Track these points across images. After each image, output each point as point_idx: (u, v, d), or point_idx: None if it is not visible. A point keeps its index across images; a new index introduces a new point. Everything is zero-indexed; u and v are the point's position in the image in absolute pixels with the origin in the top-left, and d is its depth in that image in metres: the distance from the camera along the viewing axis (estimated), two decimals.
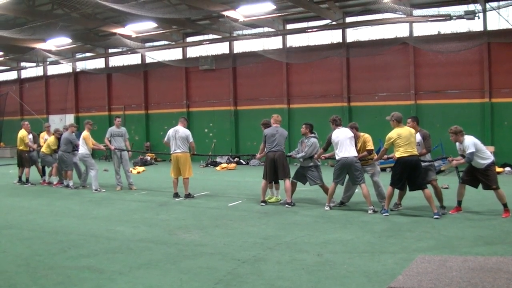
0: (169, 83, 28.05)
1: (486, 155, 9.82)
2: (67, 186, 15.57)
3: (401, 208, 10.74)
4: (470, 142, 9.66)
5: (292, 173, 11.99)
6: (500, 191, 9.77)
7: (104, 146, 16.08)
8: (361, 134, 11.23)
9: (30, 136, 17.08)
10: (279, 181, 12.21)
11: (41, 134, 17.06)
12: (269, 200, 12.24)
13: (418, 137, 10.30)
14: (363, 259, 6.92)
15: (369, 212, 10.38)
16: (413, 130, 10.17)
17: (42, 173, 17.10)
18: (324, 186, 11.60)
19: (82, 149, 14.85)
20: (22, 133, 16.70)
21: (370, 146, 11.05)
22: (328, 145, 11.30)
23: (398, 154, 9.95)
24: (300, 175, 11.90)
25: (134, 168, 20.05)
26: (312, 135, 11.81)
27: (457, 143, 9.96)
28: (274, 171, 11.79)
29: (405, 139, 9.90)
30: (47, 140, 16.35)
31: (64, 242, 8.22)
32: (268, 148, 11.86)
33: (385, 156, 10.83)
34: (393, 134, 10.08)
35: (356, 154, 10.74)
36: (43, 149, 16.07)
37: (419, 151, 10.23)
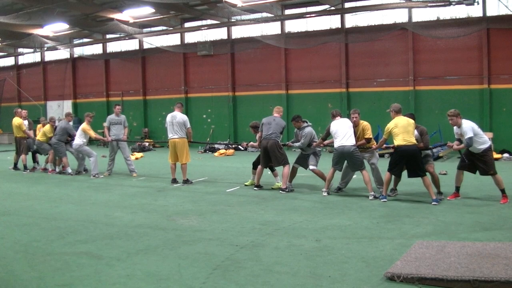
0: (167, 69, 27.96)
1: (483, 140, 9.82)
2: (60, 172, 15.63)
3: (397, 193, 10.76)
4: (468, 127, 9.65)
5: (293, 159, 12.00)
6: (498, 177, 9.77)
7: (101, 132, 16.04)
8: (360, 121, 11.23)
9: (26, 122, 17.05)
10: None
11: (38, 126, 16.95)
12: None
13: (415, 133, 10.30)
14: (361, 244, 6.92)
15: (370, 198, 10.40)
16: (411, 120, 10.19)
17: (33, 160, 17.12)
18: (315, 171, 11.64)
19: (78, 140, 14.80)
20: (17, 120, 16.64)
21: (369, 134, 11.09)
22: (326, 135, 11.36)
23: (396, 142, 10.00)
24: (302, 160, 11.94)
25: (132, 154, 20.04)
26: (305, 124, 11.78)
27: (455, 127, 9.96)
28: (268, 159, 11.80)
29: (402, 128, 9.94)
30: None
31: (62, 228, 8.22)
32: (263, 136, 11.85)
33: (384, 146, 10.93)
34: (390, 124, 10.21)
35: (354, 143, 10.73)
36: (39, 137, 16.04)
37: None
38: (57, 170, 15.85)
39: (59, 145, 15.28)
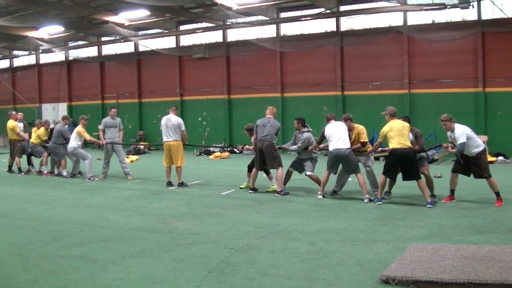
0: (162, 72, 27.97)
1: (477, 143, 9.82)
2: (58, 174, 15.62)
3: (391, 196, 10.77)
4: (461, 132, 9.65)
5: (288, 163, 12.00)
6: (492, 180, 9.78)
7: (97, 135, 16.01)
8: (356, 125, 11.23)
9: (21, 125, 17.01)
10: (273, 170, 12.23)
11: (33, 129, 16.86)
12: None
13: (410, 136, 10.31)
14: (356, 247, 6.92)
15: (365, 201, 10.39)
16: (406, 123, 10.23)
17: (28, 163, 17.07)
18: (312, 176, 11.64)
19: (72, 143, 14.77)
20: (11, 123, 16.58)
21: (364, 138, 11.09)
22: (321, 139, 11.36)
23: (391, 145, 10.02)
24: (298, 165, 11.93)
25: (127, 157, 20.01)
26: (306, 129, 11.78)
27: (448, 132, 9.98)
28: (263, 161, 11.80)
29: (397, 131, 9.95)
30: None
31: (57, 231, 8.18)
32: (258, 137, 11.85)
33: (380, 149, 10.97)
34: (385, 127, 10.20)
35: (349, 146, 10.73)
36: (33, 140, 16.03)
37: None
38: (56, 172, 15.82)
39: (56, 148, 15.28)
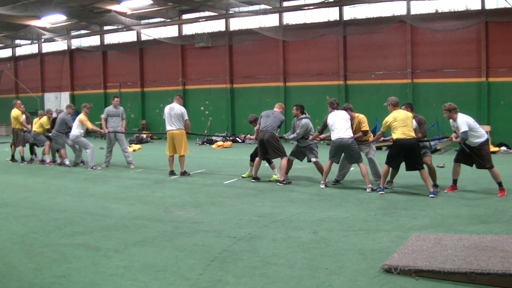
0: (165, 61, 27.93)
1: (479, 133, 9.78)
2: (60, 163, 15.65)
3: (393, 185, 10.78)
4: (462, 121, 9.62)
5: (288, 152, 12.01)
6: (495, 170, 9.77)
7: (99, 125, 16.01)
8: (356, 114, 11.22)
9: (24, 116, 17.03)
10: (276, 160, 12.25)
11: (35, 120, 16.85)
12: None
13: (414, 123, 10.29)
14: (358, 237, 6.93)
15: (367, 190, 10.40)
16: (409, 113, 10.20)
17: (31, 152, 17.09)
18: (318, 163, 11.65)
19: (75, 131, 14.77)
20: (15, 112, 16.59)
21: (365, 127, 11.08)
22: (323, 128, 11.35)
23: (395, 136, 9.98)
24: (297, 153, 11.95)
25: (130, 146, 20.02)
26: (304, 116, 11.79)
27: (451, 120, 9.96)
28: (265, 151, 11.81)
29: (401, 121, 9.92)
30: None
31: (59, 220, 8.21)
32: (260, 128, 11.87)
33: (382, 139, 10.94)
34: (389, 117, 10.16)
35: (351, 135, 10.72)
36: (35, 128, 16.06)
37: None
38: (58, 161, 15.86)
39: (58, 136, 15.30)
